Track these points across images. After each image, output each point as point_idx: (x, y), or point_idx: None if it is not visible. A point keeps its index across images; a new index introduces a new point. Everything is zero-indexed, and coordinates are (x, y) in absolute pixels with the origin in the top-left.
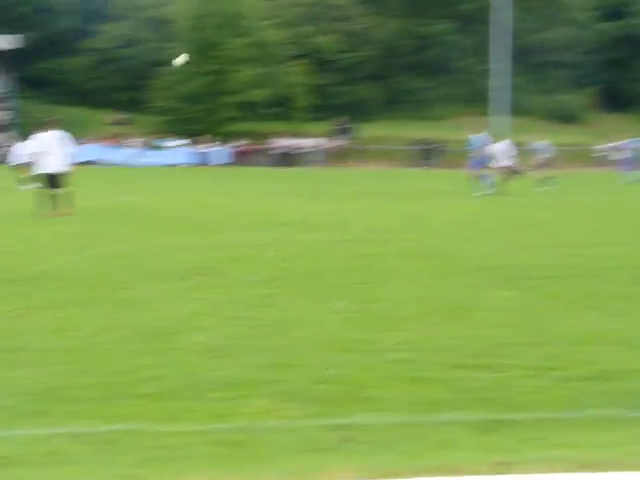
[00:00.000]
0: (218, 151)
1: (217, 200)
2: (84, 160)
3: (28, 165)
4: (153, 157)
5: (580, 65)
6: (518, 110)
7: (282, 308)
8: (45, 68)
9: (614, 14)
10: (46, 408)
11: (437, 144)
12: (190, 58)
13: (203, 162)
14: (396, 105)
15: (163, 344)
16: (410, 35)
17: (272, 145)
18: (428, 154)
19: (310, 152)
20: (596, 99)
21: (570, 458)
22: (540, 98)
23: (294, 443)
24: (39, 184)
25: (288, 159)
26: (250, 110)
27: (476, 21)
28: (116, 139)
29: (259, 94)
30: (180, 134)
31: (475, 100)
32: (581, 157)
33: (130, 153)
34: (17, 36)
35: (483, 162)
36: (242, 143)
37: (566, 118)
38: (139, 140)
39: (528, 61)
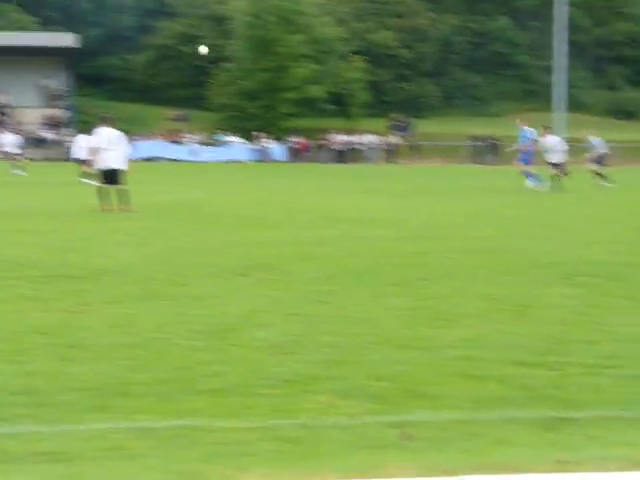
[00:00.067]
0: (276, 147)
1: (276, 196)
2: (144, 156)
3: (89, 160)
4: (212, 153)
5: None
6: (576, 106)
7: (341, 305)
8: (104, 65)
9: None
10: (106, 403)
11: (494, 140)
12: (248, 54)
13: (261, 158)
14: (452, 101)
15: (223, 340)
16: (467, 31)
17: (329, 142)
18: (485, 150)
19: (367, 149)
20: None
21: (627, 457)
22: (599, 94)
23: (354, 440)
24: (98, 180)
25: (345, 156)
26: (308, 106)
27: (534, 17)
28: (175, 135)
29: (317, 90)
30: (238, 131)
31: (532, 96)
32: None
33: (189, 149)
34: (76, 34)
35: (531, 156)
36: (299, 139)
37: (626, 114)
38: (198, 136)
39: (587, 57)
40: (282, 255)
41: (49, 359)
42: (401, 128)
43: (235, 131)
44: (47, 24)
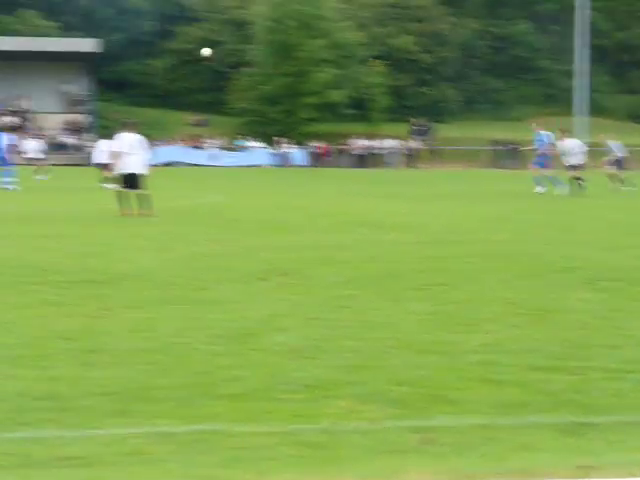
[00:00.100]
0: (297, 152)
1: (297, 201)
2: (164, 161)
3: (110, 165)
4: (232, 158)
5: None
6: (597, 110)
7: (361, 309)
8: (125, 70)
9: None
10: (126, 408)
11: (514, 145)
12: (269, 59)
13: (282, 163)
14: (473, 106)
15: (243, 345)
16: (488, 36)
17: (350, 146)
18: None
19: (387, 153)
20: None
21: None
22: (620, 98)
23: (374, 445)
24: (119, 184)
25: (366, 160)
26: (328, 111)
27: (555, 21)
28: (196, 140)
29: (337, 95)
30: (259, 135)
31: (553, 101)
32: None
33: (210, 154)
34: (97, 39)
35: (548, 160)
36: (320, 144)
37: None
38: (218, 141)
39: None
40: (302, 259)
41: (71, 364)
42: (422, 133)
43: (255, 136)
44: (68, 29)
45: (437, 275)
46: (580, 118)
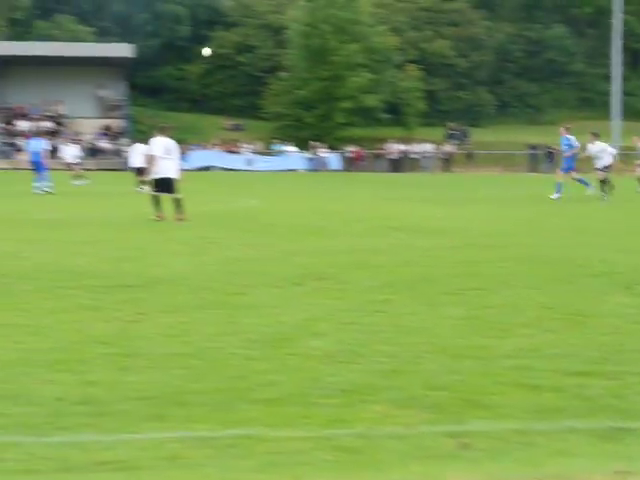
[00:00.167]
0: (332, 157)
1: (332, 205)
2: (200, 166)
3: (145, 169)
4: (268, 163)
5: None
6: (633, 114)
7: (397, 314)
8: (160, 75)
9: None
10: (163, 412)
11: (550, 149)
12: (304, 64)
13: (317, 168)
14: (508, 110)
15: (278, 349)
16: (523, 40)
17: (384, 151)
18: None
19: (422, 157)
20: None
21: None
22: None
23: (410, 450)
24: (153, 189)
25: (401, 165)
26: (363, 116)
27: (590, 25)
28: (232, 145)
29: (372, 100)
30: (293, 140)
31: (588, 105)
32: None
33: (245, 159)
34: (132, 44)
35: (574, 164)
36: (355, 149)
37: None
38: (252, 146)
39: None
40: (338, 264)
41: (108, 368)
42: (457, 137)
43: (290, 140)
44: (103, 35)
45: (472, 279)
46: (615, 122)
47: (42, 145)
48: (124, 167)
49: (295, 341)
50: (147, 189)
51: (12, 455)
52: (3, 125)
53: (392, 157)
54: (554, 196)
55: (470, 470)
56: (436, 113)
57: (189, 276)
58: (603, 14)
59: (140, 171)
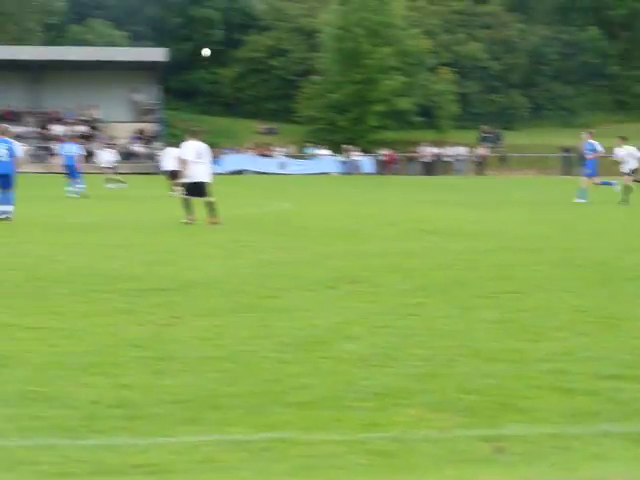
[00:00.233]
0: (365, 160)
1: (365, 209)
2: (233, 169)
3: (177, 172)
4: (300, 166)
5: None
6: None
7: (430, 317)
8: (194, 79)
9: None
10: (197, 416)
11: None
12: (336, 67)
13: (350, 171)
14: (542, 113)
15: (312, 353)
16: (557, 42)
17: (417, 154)
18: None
19: (455, 160)
20: None
21: None
22: None
23: (445, 454)
24: (185, 192)
25: (434, 168)
26: (396, 119)
27: (625, 27)
28: (265, 149)
29: (405, 103)
30: (326, 143)
31: (623, 107)
32: None
33: (278, 162)
34: (165, 48)
35: (596, 168)
36: (387, 152)
37: None
38: (285, 149)
39: None
40: (371, 267)
41: (142, 372)
42: (491, 140)
43: (323, 144)
44: (137, 39)
45: (506, 283)
46: None
47: (76, 149)
48: (157, 171)
49: (328, 344)
50: (179, 192)
51: (47, 458)
52: (38, 129)
53: (425, 160)
54: (579, 200)
55: (505, 474)
56: (469, 116)
57: (223, 279)
58: (637, 16)
59: (173, 174)
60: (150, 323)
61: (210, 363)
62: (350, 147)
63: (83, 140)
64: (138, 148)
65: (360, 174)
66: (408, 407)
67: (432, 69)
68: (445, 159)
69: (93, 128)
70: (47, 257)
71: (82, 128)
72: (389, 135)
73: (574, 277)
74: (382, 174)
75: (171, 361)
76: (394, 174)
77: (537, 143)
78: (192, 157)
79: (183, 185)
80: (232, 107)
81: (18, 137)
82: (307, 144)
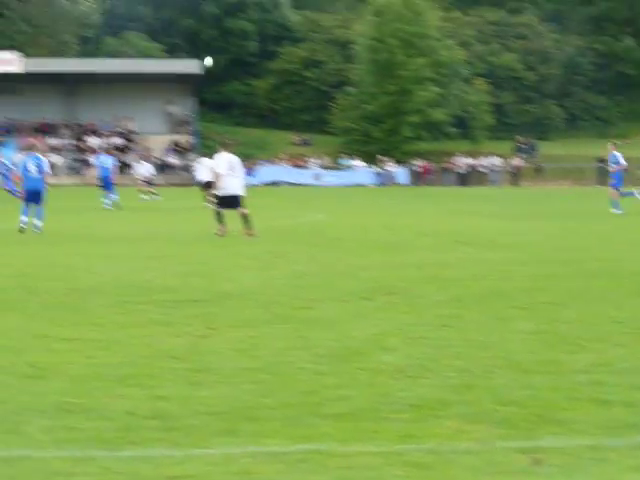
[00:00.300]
0: (399, 171)
1: (400, 220)
2: (268, 181)
3: (211, 183)
4: (335, 177)
5: None
6: None
7: (466, 328)
8: (229, 91)
9: None
10: (234, 427)
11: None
12: (371, 78)
13: (384, 182)
14: (577, 123)
15: (348, 364)
16: (592, 52)
17: (452, 164)
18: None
19: (490, 171)
20: None
21: None
22: None
23: (482, 465)
24: (218, 205)
25: (468, 178)
26: (430, 130)
27: None
28: (300, 160)
29: (440, 114)
30: (360, 154)
31: None
32: None
33: (313, 173)
34: (201, 61)
35: (621, 179)
36: (422, 163)
37: None
38: (320, 160)
39: None
40: (407, 278)
41: (178, 383)
42: (526, 150)
43: (358, 155)
44: (172, 51)
45: (541, 294)
46: None
47: (111, 161)
48: (192, 182)
49: (365, 356)
50: (212, 205)
51: (83, 469)
52: (73, 141)
53: (460, 171)
54: (614, 211)
55: None
56: (504, 127)
57: (257, 290)
58: None
59: (207, 185)
60: (186, 334)
61: (246, 374)
62: (384, 158)
63: (118, 152)
64: (173, 160)
65: (394, 185)
66: (445, 419)
67: (466, 80)
68: (480, 170)
69: (128, 140)
70: (83, 268)
71: (117, 140)
72: (423, 146)
73: (611, 288)
74: (416, 185)
75: (207, 372)
76: (428, 185)
77: (572, 154)
78: (224, 169)
79: (215, 197)
80: (267, 119)
81: (54, 149)
82: (341, 155)
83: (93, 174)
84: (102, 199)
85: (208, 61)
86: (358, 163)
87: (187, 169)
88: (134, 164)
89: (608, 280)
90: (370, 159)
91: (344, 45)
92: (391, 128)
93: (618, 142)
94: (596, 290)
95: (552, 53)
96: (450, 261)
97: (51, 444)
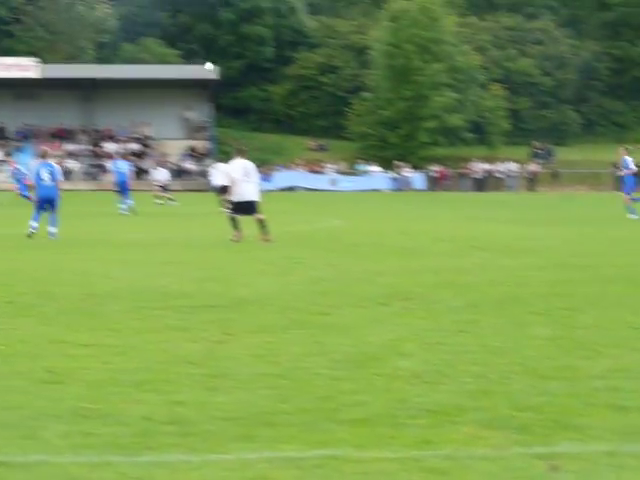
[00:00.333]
0: (416, 176)
1: (417, 225)
2: (284, 186)
3: (227, 187)
4: (351, 183)
5: None
6: None
7: (483, 334)
8: (245, 96)
9: None
10: (250, 433)
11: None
12: (387, 84)
13: (401, 187)
14: (594, 128)
15: (365, 370)
16: (608, 57)
17: (468, 170)
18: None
19: (507, 177)
20: None
21: None
22: None
23: (499, 471)
24: (233, 211)
25: (485, 184)
26: (447, 135)
27: None
28: (316, 165)
29: (456, 119)
30: (377, 159)
31: None
32: None
33: (329, 179)
34: (217, 66)
35: (633, 184)
36: (439, 168)
37: None
38: (336, 166)
39: None
40: (423, 284)
41: (195, 389)
42: (543, 156)
43: (374, 160)
44: (188, 57)
45: (558, 299)
46: None
47: (128, 166)
48: (209, 188)
49: (381, 361)
50: (227, 210)
51: (100, 475)
52: (90, 147)
53: (476, 176)
54: (631, 217)
55: None
56: (520, 132)
57: (274, 296)
58: None
59: (223, 190)
60: (203, 340)
61: (263, 380)
62: (401, 163)
63: (135, 158)
64: (190, 165)
65: (411, 190)
66: (461, 424)
67: (483, 85)
68: (496, 175)
69: (145, 146)
70: (99, 274)
71: (134, 146)
72: (440, 151)
73: (628, 293)
74: (433, 190)
75: (224, 378)
76: (445, 190)
77: (589, 159)
78: (239, 176)
79: (230, 203)
80: (283, 124)
81: (70, 155)
82: (358, 160)
83: (109, 179)
84: (118, 204)
85: (209, 67)
86: (374, 168)
87: (203, 174)
88: (151, 170)
89: (625, 285)
90: (386, 164)
91: (360, 51)
92: (407, 133)
93: (630, 147)
94: (613, 296)
95: (568, 58)
96: (467, 266)
97: (68, 449)
